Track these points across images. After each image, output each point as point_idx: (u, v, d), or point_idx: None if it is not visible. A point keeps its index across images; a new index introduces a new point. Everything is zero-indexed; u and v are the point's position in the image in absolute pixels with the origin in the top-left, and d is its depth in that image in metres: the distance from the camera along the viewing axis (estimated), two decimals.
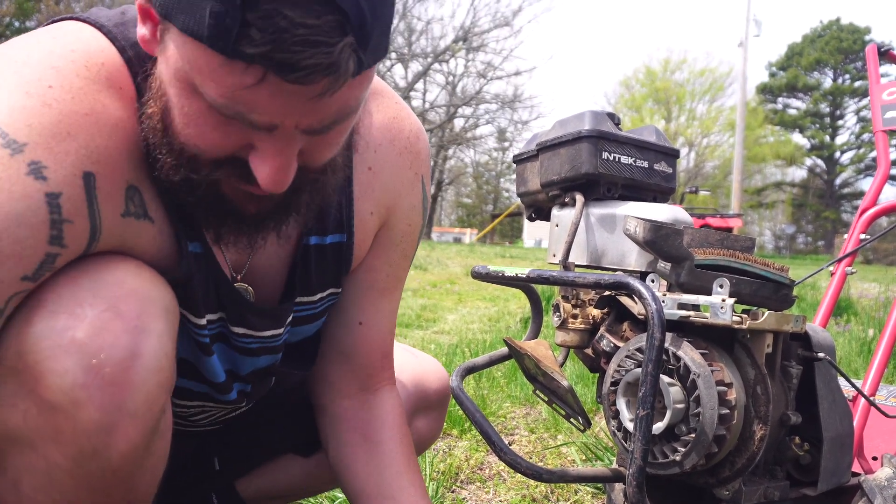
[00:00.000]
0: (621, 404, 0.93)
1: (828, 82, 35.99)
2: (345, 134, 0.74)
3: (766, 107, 37.27)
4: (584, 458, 1.94)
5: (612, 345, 1.02)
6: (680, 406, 0.87)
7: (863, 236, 1.66)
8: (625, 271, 1.03)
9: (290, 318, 0.96)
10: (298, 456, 1.18)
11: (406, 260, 1.07)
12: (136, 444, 0.71)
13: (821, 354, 0.99)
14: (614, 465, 1.05)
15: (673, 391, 0.87)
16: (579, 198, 1.08)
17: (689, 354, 0.88)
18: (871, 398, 1.35)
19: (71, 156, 0.67)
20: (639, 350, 0.93)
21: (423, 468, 1.73)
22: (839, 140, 35.80)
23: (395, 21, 0.70)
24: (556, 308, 1.10)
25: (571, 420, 1.08)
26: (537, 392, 1.13)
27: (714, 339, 0.93)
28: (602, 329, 1.04)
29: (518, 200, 1.26)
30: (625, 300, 1.03)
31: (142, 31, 0.70)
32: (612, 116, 1.11)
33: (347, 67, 0.61)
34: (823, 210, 35.14)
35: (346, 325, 1.04)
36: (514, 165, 1.24)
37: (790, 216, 36.74)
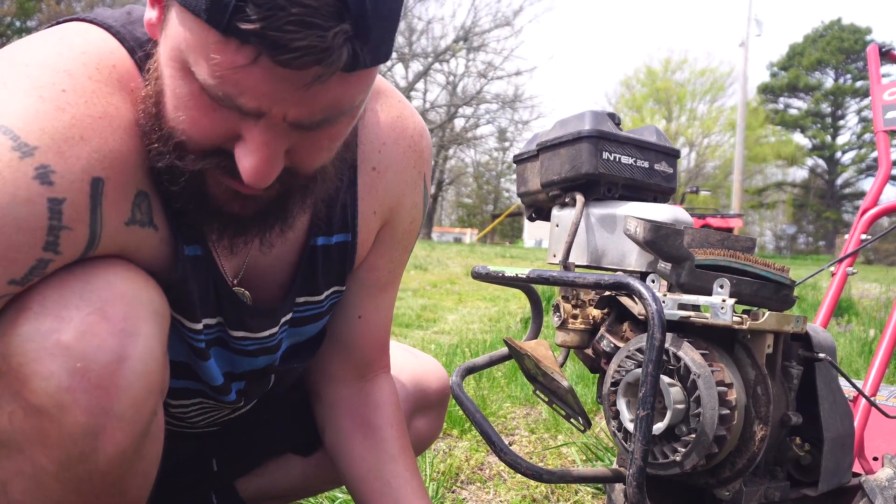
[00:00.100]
0: (621, 405, 0.93)
1: (829, 82, 36.00)
2: (337, 141, 0.73)
3: (767, 107, 37.28)
4: (584, 458, 1.93)
5: (612, 345, 1.02)
6: (680, 406, 0.87)
7: (864, 236, 1.66)
8: (625, 271, 1.03)
9: (287, 317, 0.96)
10: (298, 456, 1.18)
11: (406, 255, 1.08)
12: (125, 447, 0.70)
13: (821, 355, 0.99)
14: (614, 466, 1.05)
15: (673, 391, 0.87)
16: (579, 198, 1.08)
17: (689, 355, 0.88)
18: (872, 398, 1.35)
19: (82, 160, 0.67)
20: (639, 350, 0.93)
21: (423, 468, 1.73)
22: (840, 140, 35.83)
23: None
24: (557, 308, 1.10)
25: (571, 420, 1.08)
26: (537, 392, 1.13)
27: (714, 339, 0.93)
28: (602, 329, 1.04)
29: (518, 200, 1.26)
30: (625, 300, 1.02)
31: (149, 14, 0.70)
32: (612, 116, 1.11)
33: (340, 55, 0.60)
34: (824, 210, 35.13)
35: (346, 319, 1.05)
36: (515, 165, 1.24)
37: (791, 216, 36.74)
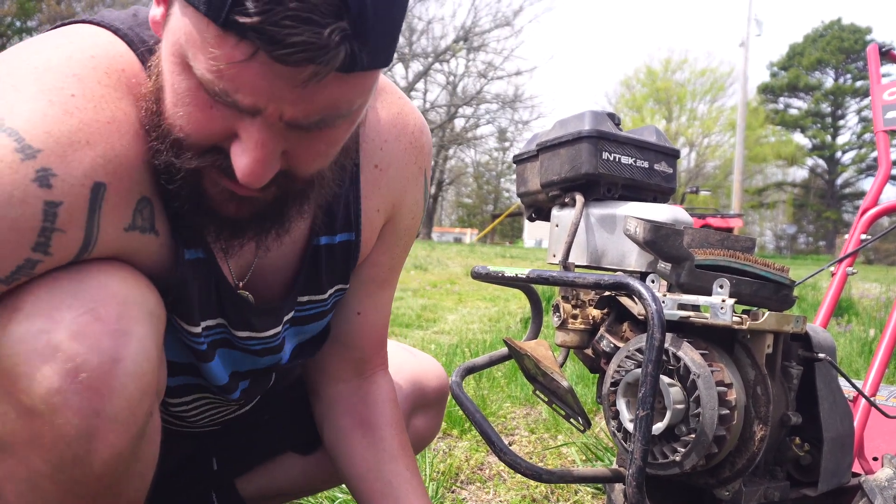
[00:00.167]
0: (621, 405, 0.93)
1: (829, 82, 36.00)
2: (336, 145, 0.72)
3: (768, 107, 37.28)
4: (584, 458, 1.93)
5: (612, 345, 1.02)
6: (680, 406, 0.87)
7: (864, 236, 1.66)
8: (625, 272, 1.03)
9: (289, 316, 0.96)
10: (298, 454, 1.18)
11: (406, 251, 1.08)
12: (120, 450, 0.69)
13: (821, 355, 0.99)
14: (614, 466, 1.05)
15: (673, 392, 0.87)
16: (579, 198, 1.08)
17: (689, 355, 0.88)
18: (872, 398, 1.35)
19: (84, 165, 0.67)
20: (639, 350, 0.93)
21: (423, 468, 1.73)
22: (840, 140, 35.83)
23: None
24: (556, 308, 1.10)
25: (571, 420, 1.08)
26: (537, 392, 1.13)
27: (714, 339, 0.93)
28: (602, 329, 1.04)
29: (518, 200, 1.26)
30: (625, 300, 1.02)
31: (154, 12, 0.70)
32: (612, 116, 1.11)
33: (336, 53, 0.60)
34: (824, 210, 35.13)
35: (345, 316, 1.05)
36: (515, 165, 1.24)
37: (791, 216, 36.75)
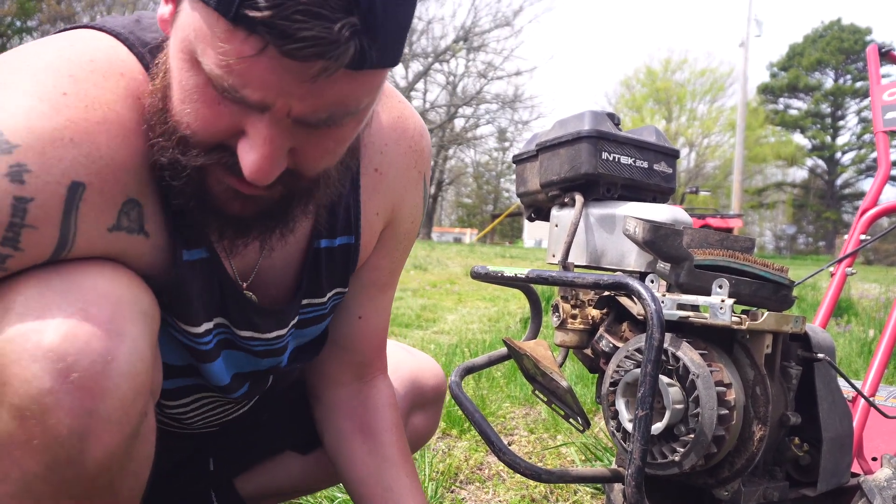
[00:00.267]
0: (620, 405, 0.93)
1: (829, 83, 36.01)
2: (343, 143, 0.72)
3: (767, 107, 37.28)
4: (583, 458, 1.94)
5: (611, 345, 1.02)
6: (679, 406, 0.87)
7: (863, 237, 1.66)
8: (624, 272, 1.03)
9: (294, 320, 0.96)
10: (297, 453, 1.18)
11: (406, 255, 1.08)
12: (113, 450, 0.69)
13: (820, 355, 0.99)
14: (613, 466, 1.05)
15: (672, 391, 0.87)
16: (579, 198, 1.08)
17: (688, 355, 0.88)
18: (871, 399, 1.35)
19: (64, 163, 0.66)
20: (638, 350, 0.93)
21: (422, 468, 1.73)
22: (840, 140, 35.84)
23: None
24: (556, 308, 1.10)
25: (570, 420, 1.08)
26: (536, 392, 1.13)
27: (713, 339, 0.93)
28: (601, 329, 1.04)
29: (518, 200, 1.26)
30: (624, 300, 1.02)
31: (162, 10, 0.70)
32: (611, 116, 1.11)
33: (346, 49, 0.60)
34: (824, 210, 35.14)
35: (346, 320, 1.05)
36: (514, 165, 1.24)
37: (791, 217, 36.75)
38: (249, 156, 0.66)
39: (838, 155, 35.88)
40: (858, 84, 34.29)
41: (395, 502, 1.01)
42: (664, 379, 0.88)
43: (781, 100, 37.37)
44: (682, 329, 0.93)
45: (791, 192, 37.44)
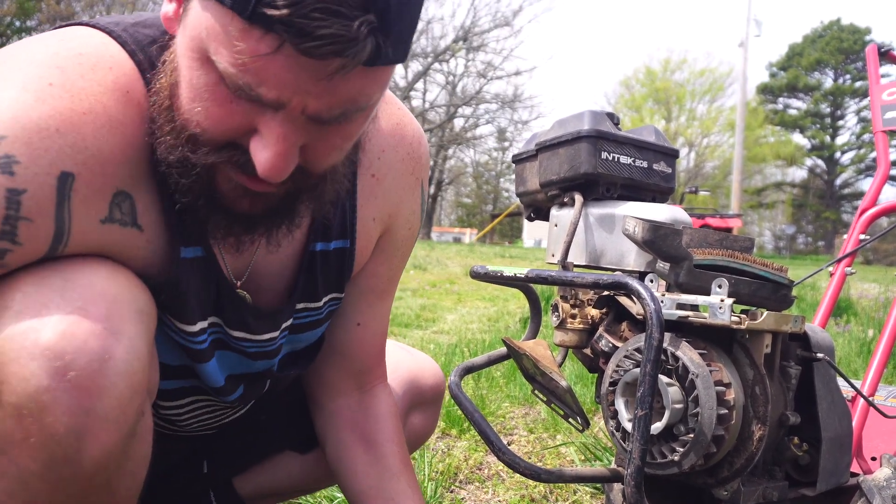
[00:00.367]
0: (620, 404, 0.93)
1: (828, 82, 36.03)
2: (350, 139, 0.73)
3: (767, 107, 37.30)
4: (582, 458, 1.94)
5: (610, 345, 1.02)
6: (678, 406, 0.87)
7: (862, 237, 1.66)
8: (623, 271, 1.03)
9: (287, 323, 0.95)
10: (296, 453, 1.18)
11: (404, 262, 1.08)
12: (110, 448, 0.69)
13: (820, 355, 0.99)
14: (613, 466, 1.05)
15: (671, 391, 0.87)
16: (578, 198, 1.08)
17: (687, 354, 0.88)
18: (870, 398, 1.35)
19: (52, 153, 0.66)
20: (637, 350, 0.93)
21: (421, 468, 1.73)
22: (839, 140, 35.86)
23: None
24: (555, 308, 1.10)
25: (570, 420, 1.08)
26: (536, 392, 1.13)
27: (713, 339, 0.93)
28: (601, 329, 1.04)
29: (517, 200, 1.26)
30: (623, 300, 1.02)
31: (166, 8, 0.70)
32: (611, 116, 1.11)
33: (364, 47, 0.60)
34: (823, 210, 35.16)
35: (344, 327, 1.05)
36: (514, 165, 1.24)
37: (790, 216, 36.76)
38: (263, 154, 0.66)
39: (838, 155, 35.92)
40: (858, 84, 34.32)
41: None
42: (663, 378, 0.88)
43: (781, 100, 37.41)
44: (681, 329, 0.93)
45: (790, 191, 37.47)
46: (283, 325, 0.95)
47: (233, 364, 0.94)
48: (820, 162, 36.42)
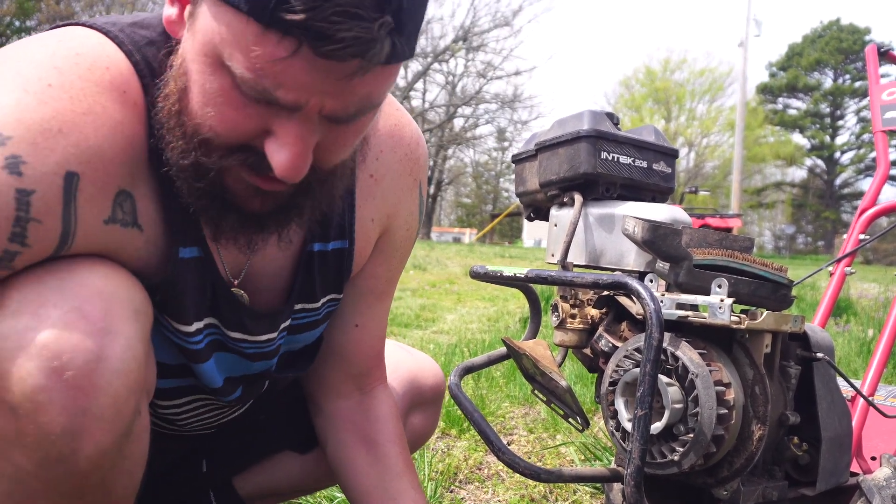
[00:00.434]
0: (619, 404, 0.93)
1: (828, 82, 36.03)
2: (360, 134, 0.73)
3: (766, 107, 37.31)
4: (582, 458, 1.94)
5: (610, 345, 1.02)
6: (678, 406, 0.87)
7: (862, 236, 1.66)
8: (623, 271, 1.03)
9: (286, 323, 0.95)
10: (295, 453, 1.18)
11: (403, 263, 1.08)
12: (105, 448, 0.69)
13: (819, 354, 0.99)
14: (613, 465, 1.05)
15: (671, 391, 0.87)
16: (578, 198, 1.08)
17: (687, 354, 0.88)
18: (870, 398, 1.35)
19: (56, 153, 0.66)
20: (637, 350, 0.93)
21: (421, 468, 1.73)
22: (839, 140, 35.87)
23: None
24: (555, 308, 1.10)
25: (570, 420, 1.08)
26: (536, 392, 1.13)
27: (712, 339, 0.93)
28: (600, 329, 1.04)
29: (517, 200, 1.26)
30: (623, 300, 1.02)
31: (169, 12, 0.70)
32: (610, 116, 1.11)
33: (382, 48, 0.61)
34: (823, 210, 35.17)
35: (343, 328, 1.05)
36: (513, 165, 1.24)
37: (790, 216, 36.77)
38: (280, 154, 0.67)
39: (837, 155, 35.93)
40: (857, 84, 34.33)
41: None
42: (663, 378, 0.88)
43: (780, 99, 37.43)
44: (681, 328, 0.93)
45: (790, 191, 37.48)
46: (282, 326, 0.95)
47: (231, 366, 0.94)
48: (820, 162, 36.45)
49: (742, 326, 0.86)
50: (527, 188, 1.19)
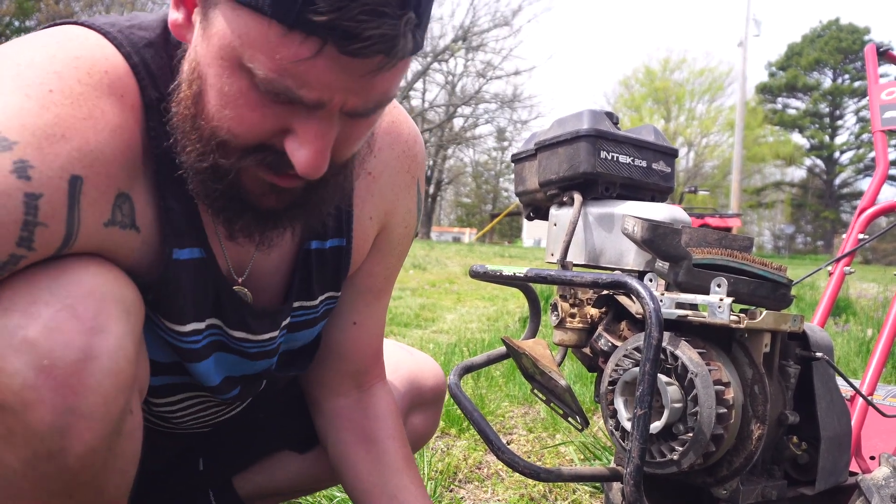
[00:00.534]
0: (619, 403, 0.93)
1: (827, 82, 36.04)
2: (372, 127, 0.74)
3: (766, 107, 37.32)
4: (582, 457, 1.94)
5: (609, 344, 1.02)
6: (677, 405, 0.87)
7: (861, 236, 1.66)
8: (623, 270, 1.03)
9: (286, 321, 0.95)
10: (295, 453, 1.18)
11: (401, 261, 1.08)
12: (94, 446, 0.69)
13: (819, 354, 0.99)
14: (612, 465, 1.05)
15: (671, 390, 0.87)
16: (577, 197, 1.08)
17: (686, 354, 0.88)
18: (869, 398, 1.35)
19: (61, 158, 0.66)
20: (636, 349, 0.93)
21: (421, 467, 1.73)
22: (838, 140, 35.88)
23: None
24: (554, 307, 1.10)
25: (569, 419, 1.08)
26: (535, 391, 1.13)
27: (712, 338, 0.93)
28: (600, 328, 1.04)
29: (517, 200, 1.26)
30: (623, 299, 1.03)
31: (174, 16, 0.70)
32: (610, 116, 1.11)
33: (406, 44, 0.62)
34: (822, 210, 35.18)
35: (341, 326, 1.05)
36: (513, 165, 1.24)
37: (789, 216, 36.78)
38: (302, 152, 0.67)
39: (837, 154, 35.94)
40: (857, 83, 34.33)
41: None
42: (663, 378, 0.88)
43: (780, 99, 37.44)
44: (680, 328, 0.93)
45: (789, 191, 37.50)
46: (283, 324, 0.95)
47: (231, 366, 0.94)
48: (819, 161, 36.46)
49: (741, 326, 0.87)
50: (526, 187, 1.19)
